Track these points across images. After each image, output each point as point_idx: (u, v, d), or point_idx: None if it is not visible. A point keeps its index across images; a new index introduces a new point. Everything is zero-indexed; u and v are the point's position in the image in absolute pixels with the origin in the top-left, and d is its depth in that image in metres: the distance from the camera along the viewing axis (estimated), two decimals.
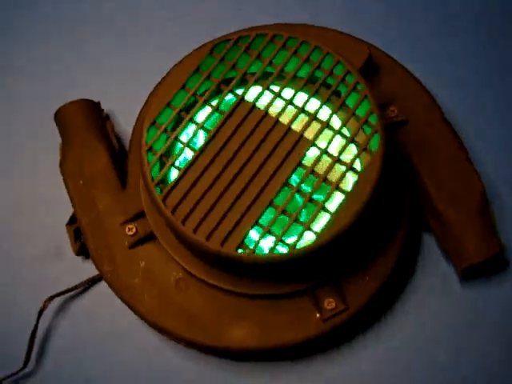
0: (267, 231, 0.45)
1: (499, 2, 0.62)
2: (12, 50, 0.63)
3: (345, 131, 0.47)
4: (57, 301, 0.54)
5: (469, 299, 0.54)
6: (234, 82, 0.48)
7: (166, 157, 0.47)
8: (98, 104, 0.56)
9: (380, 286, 0.51)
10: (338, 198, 0.46)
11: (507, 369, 0.52)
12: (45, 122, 0.57)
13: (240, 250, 0.45)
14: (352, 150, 0.47)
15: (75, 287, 0.54)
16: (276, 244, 0.45)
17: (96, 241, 0.51)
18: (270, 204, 0.46)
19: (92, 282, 0.54)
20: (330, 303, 0.49)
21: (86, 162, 0.53)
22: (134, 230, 0.51)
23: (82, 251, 0.53)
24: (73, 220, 0.53)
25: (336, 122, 0.48)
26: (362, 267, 0.51)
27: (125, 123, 0.59)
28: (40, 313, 0.52)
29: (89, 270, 0.53)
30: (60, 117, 0.55)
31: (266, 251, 0.45)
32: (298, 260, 0.45)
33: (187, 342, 0.50)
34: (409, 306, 0.54)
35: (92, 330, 0.54)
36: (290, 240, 0.45)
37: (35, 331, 0.52)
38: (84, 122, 0.54)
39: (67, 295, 0.54)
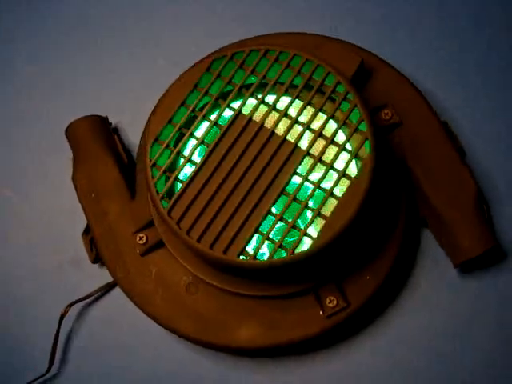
0: (266, 238, 0.48)
1: (498, 3, 0.63)
2: (20, 63, 0.65)
3: (338, 139, 0.50)
4: (76, 306, 0.57)
5: (469, 293, 0.56)
6: (230, 96, 0.51)
7: (170, 171, 0.50)
8: (105, 119, 0.59)
9: (380, 283, 0.53)
10: (332, 204, 0.48)
11: (509, 361, 0.55)
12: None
13: (242, 257, 0.48)
14: (345, 157, 0.49)
15: (93, 293, 0.57)
16: (275, 250, 0.48)
17: (109, 250, 0.55)
18: (269, 212, 0.48)
19: (109, 287, 0.58)
20: (331, 301, 0.52)
21: (96, 175, 0.56)
22: (145, 238, 0.54)
23: (98, 259, 0.56)
24: (88, 230, 0.57)
25: (329, 131, 0.50)
26: (362, 266, 0.53)
27: (134, 135, 0.62)
28: (61, 318, 0.56)
29: (105, 276, 0.56)
30: (70, 133, 0.58)
31: (267, 257, 0.48)
32: (297, 264, 0.48)
33: (199, 343, 0.53)
34: (410, 301, 0.57)
35: (110, 333, 0.57)
36: (289, 245, 0.48)
37: (57, 336, 0.56)
38: (92, 137, 0.57)
39: (86, 300, 0.57)
